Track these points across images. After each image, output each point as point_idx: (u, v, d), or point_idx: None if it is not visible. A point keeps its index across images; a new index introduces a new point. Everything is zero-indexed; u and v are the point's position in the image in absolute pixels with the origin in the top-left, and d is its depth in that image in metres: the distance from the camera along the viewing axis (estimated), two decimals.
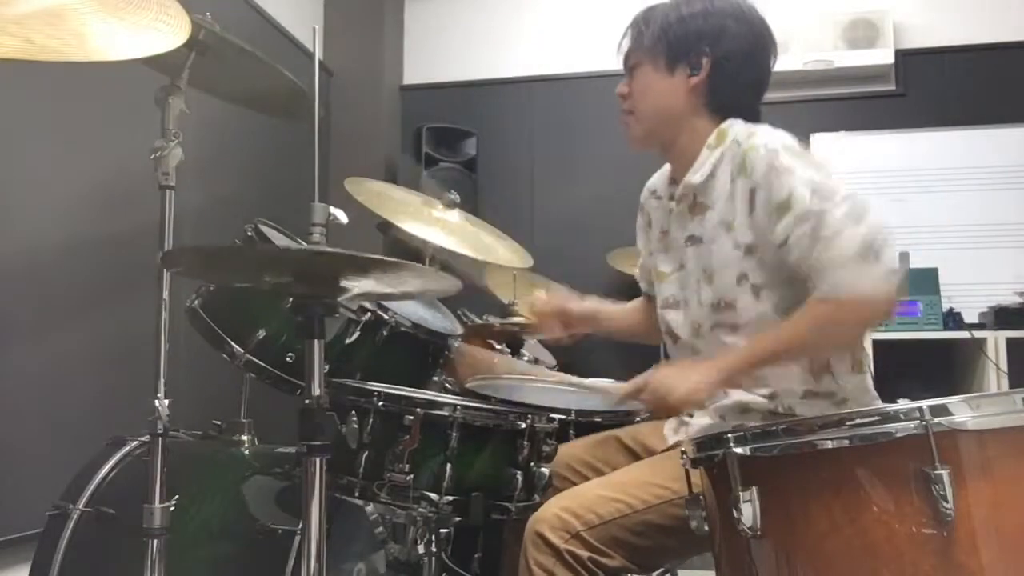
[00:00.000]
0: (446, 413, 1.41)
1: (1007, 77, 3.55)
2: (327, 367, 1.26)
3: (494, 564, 1.72)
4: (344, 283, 1.22)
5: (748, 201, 1.41)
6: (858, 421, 0.99)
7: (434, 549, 1.50)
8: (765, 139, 1.41)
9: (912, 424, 0.96)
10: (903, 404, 0.98)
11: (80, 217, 2.33)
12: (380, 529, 1.69)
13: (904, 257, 3.29)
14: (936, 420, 0.95)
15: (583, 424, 1.78)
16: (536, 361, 2.71)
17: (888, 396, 1.41)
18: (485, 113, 3.98)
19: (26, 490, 2.01)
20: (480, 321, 2.69)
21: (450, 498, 1.39)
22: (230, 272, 1.45)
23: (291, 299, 1.23)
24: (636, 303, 1.84)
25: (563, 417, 1.75)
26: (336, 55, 3.82)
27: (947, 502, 0.93)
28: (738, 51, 1.50)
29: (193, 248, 1.27)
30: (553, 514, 1.36)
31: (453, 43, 4.13)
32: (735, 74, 1.51)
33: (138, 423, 1.53)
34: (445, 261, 2.31)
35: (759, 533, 1.03)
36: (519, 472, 1.44)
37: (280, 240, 1.84)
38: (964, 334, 3.12)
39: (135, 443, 1.77)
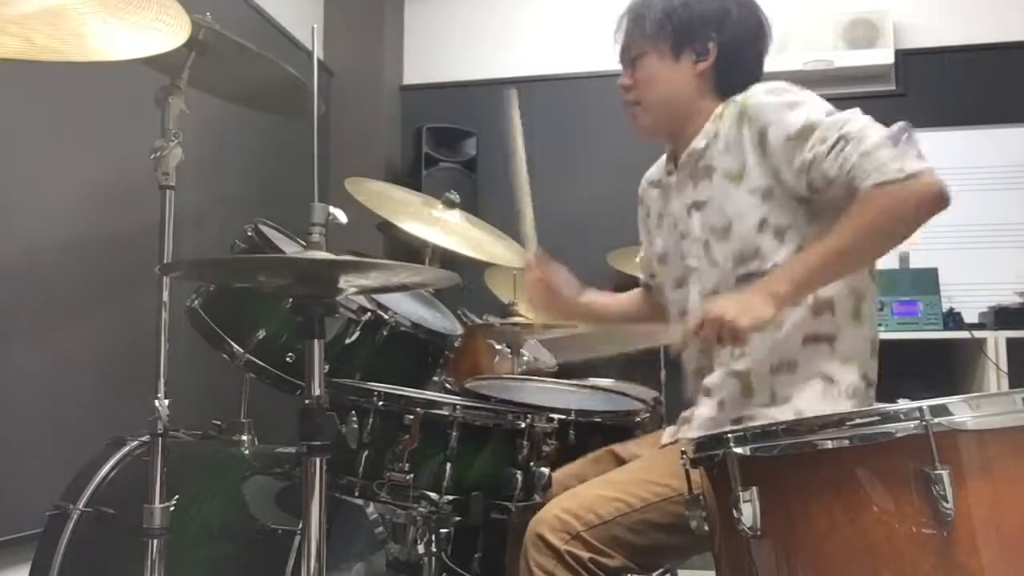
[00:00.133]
0: (446, 413, 1.42)
1: (1007, 77, 3.55)
2: (327, 367, 1.26)
3: (494, 564, 1.72)
4: (343, 283, 1.22)
5: (758, 144, 1.40)
6: (858, 421, 0.99)
7: (434, 549, 1.49)
8: (763, 87, 1.44)
9: (912, 424, 0.96)
10: (903, 404, 0.98)
11: (80, 217, 2.33)
12: (380, 529, 1.69)
13: (904, 257, 3.31)
14: (936, 420, 0.95)
15: (583, 424, 1.78)
16: (536, 361, 2.71)
17: (888, 396, 1.41)
18: (485, 113, 3.97)
19: (26, 490, 2.01)
20: (480, 321, 2.69)
21: (450, 498, 1.39)
22: (229, 274, 1.45)
23: (291, 299, 1.23)
24: (633, 293, 1.83)
25: (563, 417, 1.75)
26: (336, 55, 3.83)
27: (947, 502, 0.93)
28: (743, 34, 1.51)
29: (190, 260, 1.27)
30: (553, 515, 1.35)
31: (453, 43, 4.13)
32: (740, 57, 1.51)
33: (138, 423, 1.53)
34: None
35: (759, 533, 1.03)
36: (519, 472, 1.44)
37: (280, 240, 1.84)
38: (964, 334, 3.12)
39: (135, 443, 1.77)
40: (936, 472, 0.94)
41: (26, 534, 1.93)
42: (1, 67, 1.27)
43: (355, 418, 1.41)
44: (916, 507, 0.95)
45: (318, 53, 1.55)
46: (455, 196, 2.43)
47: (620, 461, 1.61)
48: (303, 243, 1.27)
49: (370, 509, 1.65)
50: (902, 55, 3.63)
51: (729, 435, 1.07)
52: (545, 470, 1.47)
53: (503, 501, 1.43)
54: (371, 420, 1.42)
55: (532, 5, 4.10)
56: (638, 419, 1.88)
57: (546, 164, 3.92)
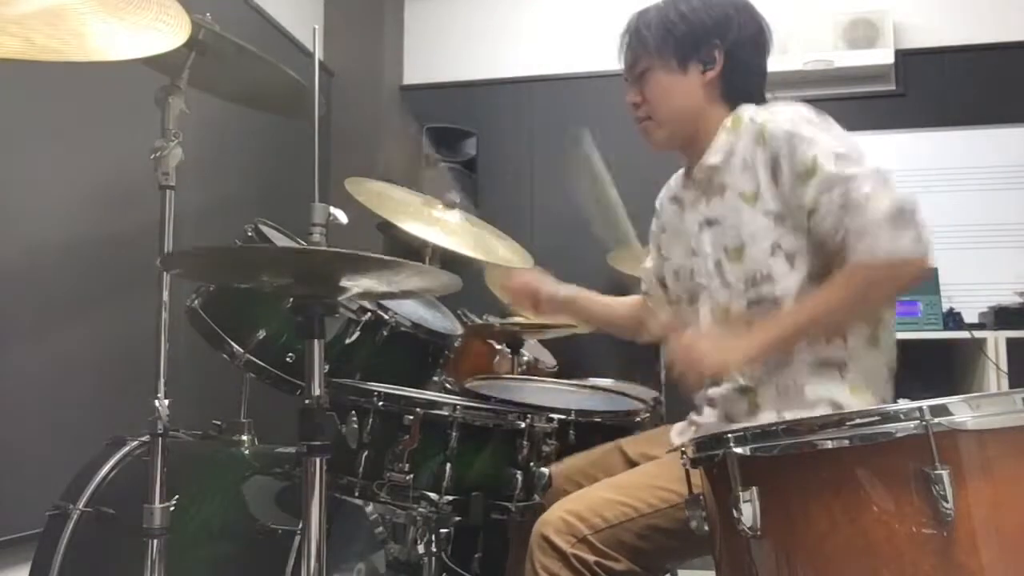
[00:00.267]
0: (446, 413, 1.42)
1: (1007, 77, 3.55)
2: (327, 367, 1.26)
3: (494, 564, 1.72)
4: (344, 283, 1.22)
5: (771, 171, 1.39)
6: (858, 421, 0.99)
7: (434, 549, 1.49)
8: (784, 111, 1.41)
9: (912, 424, 0.96)
10: (903, 404, 0.98)
11: (80, 217, 2.33)
12: (380, 529, 1.69)
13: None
14: (936, 420, 0.95)
15: (583, 424, 1.78)
16: (536, 361, 2.71)
17: None
18: (485, 113, 3.98)
19: (26, 490, 2.01)
20: (480, 321, 2.69)
21: (450, 498, 1.39)
22: (230, 273, 1.45)
23: (291, 299, 1.23)
24: (629, 299, 1.83)
25: (563, 417, 1.75)
26: (336, 55, 3.82)
27: (947, 502, 0.93)
28: (746, 39, 1.50)
29: (192, 251, 1.27)
30: (559, 518, 1.35)
31: (453, 43, 4.13)
32: (746, 62, 1.50)
33: (138, 423, 1.53)
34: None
35: (759, 533, 1.03)
36: (519, 472, 1.44)
37: (280, 240, 1.84)
38: (964, 334, 3.12)
39: (135, 443, 1.77)
40: (936, 472, 0.94)
41: (26, 534, 1.93)
42: (1, 67, 1.27)
43: (355, 418, 1.41)
44: (916, 507, 0.95)
45: (318, 53, 1.55)
46: (456, 196, 2.43)
47: (626, 457, 1.61)
48: (303, 243, 1.27)
49: (370, 509, 1.65)
50: (902, 55, 3.62)
51: (729, 435, 1.07)
52: (545, 470, 1.47)
53: (503, 501, 1.43)
54: (371, 420, 1.42)
55: (532, 5, 4.09)
56: (638, 419, 1.88)
57: (546, 164, 3.93)
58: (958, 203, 3.43)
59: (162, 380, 1.47)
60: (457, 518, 1.41)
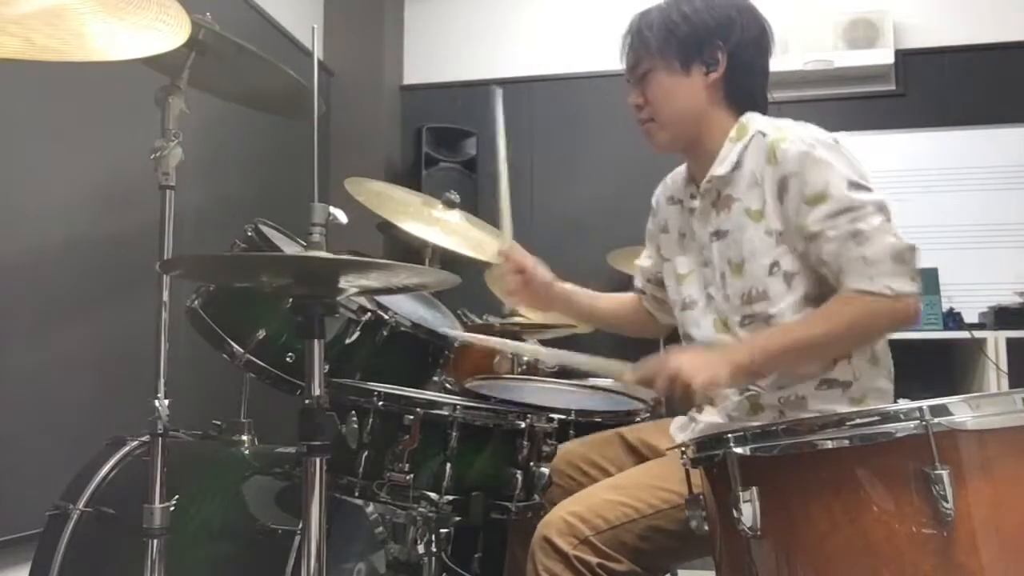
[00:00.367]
0: (446, 413, 1.41)
1: (1007, 77, 3.55)
2: (327, 367, 1.26)
3: (494, 564, 1.72)
4: (343, 283, 1.22)
5: (777, 189, 1.39)
6: (858, 421, 0.99)
7: (434, 549, 1.49)
8: (797, 131, 1.40)
9: (912, 424, 0.96)
10: (903, 404, 0.98)
11: (80, 217, 2.33)
12: (380, 529, 1.69)
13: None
14: (936, 420, 0.95)
15: (583, 424, 1.78)
16: (536, 361, 2.71)
17: None
18: (485, 113, 3.97)
19: (26, 490, 2.01)
20: (480, 321, 2.69)
21: (450, 498, 1.39)
22: (229, 273, 1.45)
23: (291, 299, 1.23)
24: (624, 296, 1.82)
25: (563, 417, 1.75)
26: (336, 55, 3.83)
27: (947, 502, 0.93)
28: (749, 40, 1.49)
29: (191, 257, 1.27)
30: (561, 519, 1.35)
31: (453, 43, 4.13)
32: (749, 63, 1.50)
33: (138, 423, 1.53)
34: None
35: (759, 533, 1.03)
36: (519, 472, 1.44)
37: (280, 240, 1.84)
38: (964, 334, 3.12)
39: (135, 443, 1.77)
40: (936, 472, 0.94)
41: (26, 534, 1.93)
42: (1, 67, 1.27)
43: (355, 418, 1.41)
44: (916, 507, 0.95)
45: (318, 53, 1.55)
46: (455, 196, 2.43)
47: (627, 445, 1.62)
48: (303, 243, 1.27)
49: (370, 509, 1.65)
50: (902, 55, 3.63)
51: (729, 435, 1.07)
52: (545, 470, 1.47)
53: (503, 501, 1.43)
54: (371, 420, 1.41)
55: (532, 5, 4.09)
56: (638, 419, 1.88)
57: (546, 164, 3.93)
58: (958, 203, 3.43)
59: (162, 380, 1.46)
60: (457, 518, 1.41)
